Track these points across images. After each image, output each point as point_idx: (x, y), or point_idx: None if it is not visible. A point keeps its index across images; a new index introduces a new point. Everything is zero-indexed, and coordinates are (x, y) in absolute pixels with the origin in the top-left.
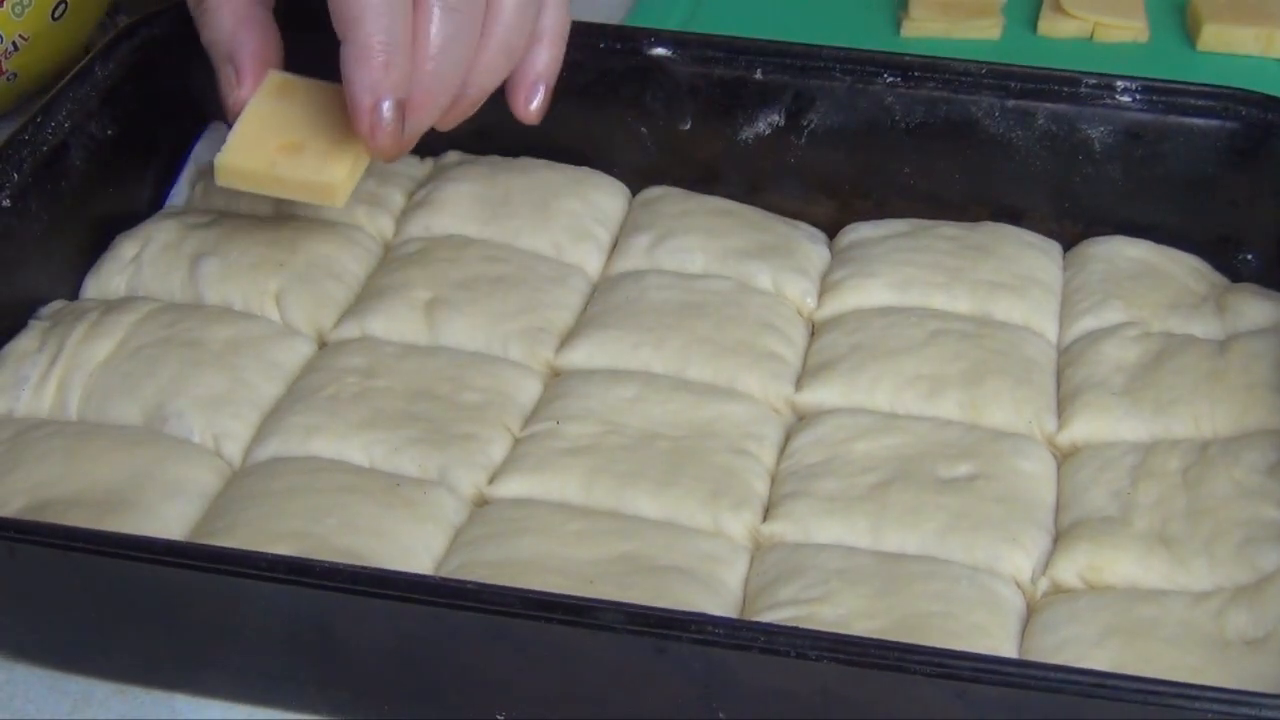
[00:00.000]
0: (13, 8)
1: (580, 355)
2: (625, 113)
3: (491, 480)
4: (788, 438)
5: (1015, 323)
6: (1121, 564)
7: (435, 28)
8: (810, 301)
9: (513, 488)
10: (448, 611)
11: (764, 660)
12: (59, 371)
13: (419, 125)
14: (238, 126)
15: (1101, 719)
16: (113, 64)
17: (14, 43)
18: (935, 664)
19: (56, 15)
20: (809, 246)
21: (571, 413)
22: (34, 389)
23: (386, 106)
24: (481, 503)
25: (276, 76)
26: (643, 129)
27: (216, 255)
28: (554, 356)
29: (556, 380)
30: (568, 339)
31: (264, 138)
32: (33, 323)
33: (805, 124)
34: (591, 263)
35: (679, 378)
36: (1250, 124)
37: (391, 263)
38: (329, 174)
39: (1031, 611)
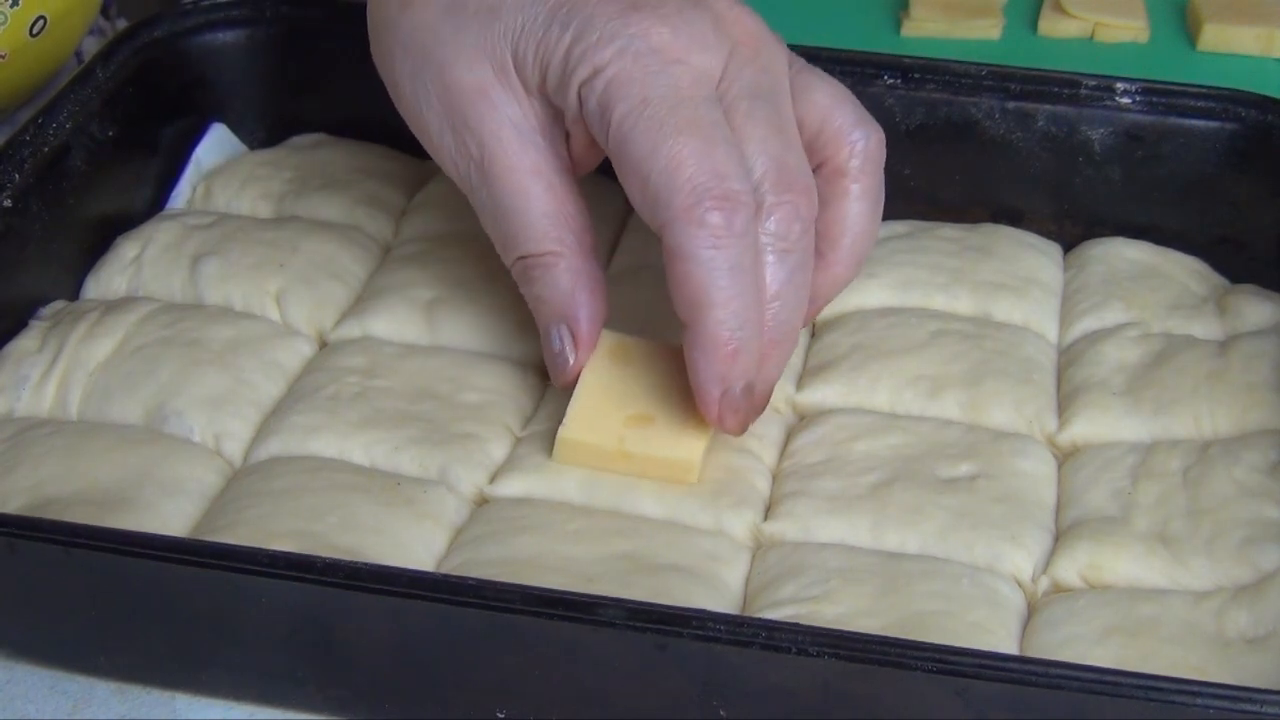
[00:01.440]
0: None
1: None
2: None
3: (492, 479)
4: (789, 437)
5: (1016, 323)
6: (1122, 563)
7: (771, 274)
8: None
9: (513, 487)
10: (448, 608)
11: (765, 657)
12: (59, 371)
13: (769, 384)
14: (577, 397)
15: (1103, 716)
16: (114, 65)
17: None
18: (936, 660)
19: (35, 32)
20: None
21: None
22: (34, 389)
23: (737, 391)
24: (482, 502)
25: (610, 338)
26: None
27: (217, 255)
28: None
29: None
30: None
31: (607, 410)
32: (33, 323)
33: None
34: None
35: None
36: (1250, 125)
37: (392, 263)
38: (686, 450)
39: (1032, 610)
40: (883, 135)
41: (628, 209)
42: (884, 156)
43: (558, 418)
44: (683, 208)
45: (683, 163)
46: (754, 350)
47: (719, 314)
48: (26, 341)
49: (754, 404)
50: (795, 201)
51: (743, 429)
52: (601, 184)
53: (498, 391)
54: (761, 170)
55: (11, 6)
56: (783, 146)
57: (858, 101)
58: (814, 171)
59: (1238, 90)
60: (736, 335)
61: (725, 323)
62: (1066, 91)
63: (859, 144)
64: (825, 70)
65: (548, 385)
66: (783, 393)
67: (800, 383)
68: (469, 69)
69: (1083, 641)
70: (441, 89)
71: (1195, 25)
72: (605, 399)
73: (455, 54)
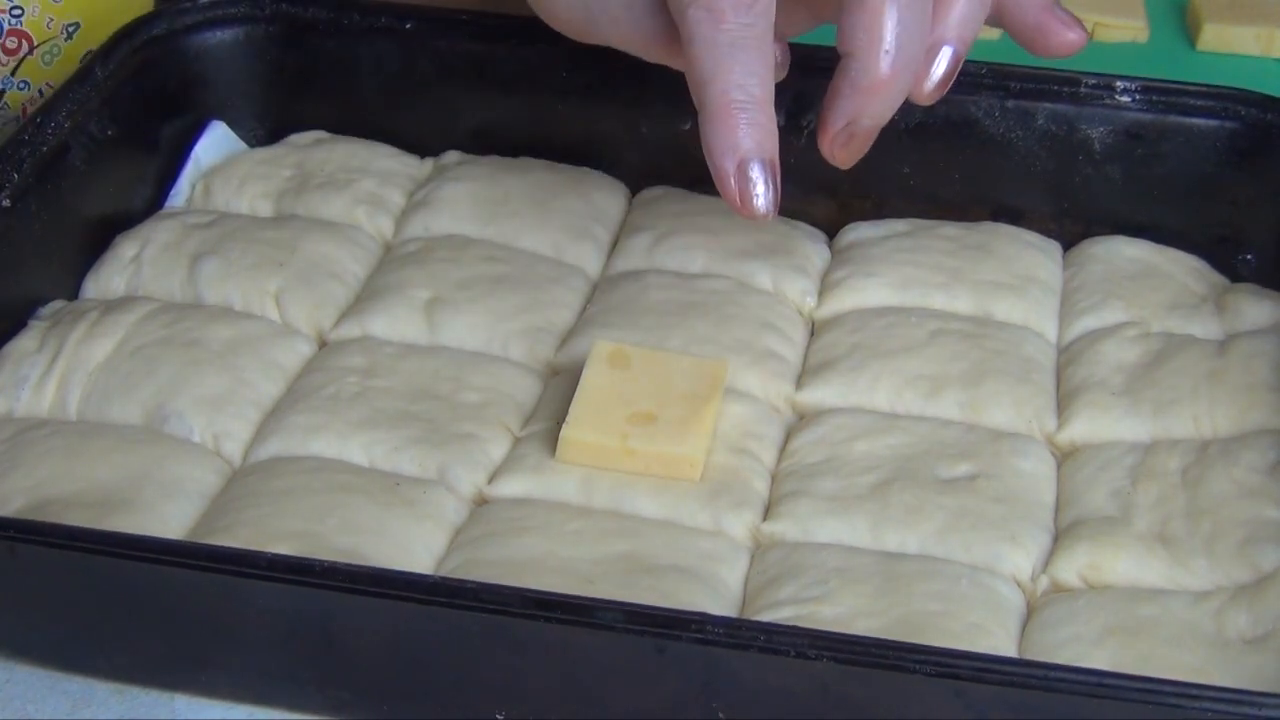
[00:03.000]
0: (41, 56)
1: (580, 355)
2: (625, 113)
3: (491, 479)
4: (788, 437)
5: (1015, 322)
6: (1121, 563)
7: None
8: (810, 301)
9: (513, 487)
10: (447, 611)
11: (764, 659)
12: (59, 371)
13: (877, 121)
14: (578, 398)
15: (1102, 718)
16: (113, 64)
17: (40, 90)
18: (935, 662)
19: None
20: (809, 246)
21: None
22: (34, 389)
23: (755, 169)
24: (481, 502)
25: (605, 345)
26: (642, 129)
27: (216, 255)
28: (554, 356)
29: (555, 379)
30: (568, 338)
31: (609, 409)
32: (32, 323)
33: (805, 124)
34: (591, 262)
35: None
36: (1250, 124)
37: (391, 262)
38: (689, 446)
39: (1031, 610)
40: None
41: (627, 210)
42: None
43: (557, 418)
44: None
45: None
46: (765, 125)
47: (722, 83)
48: (25, 342)
49: (857, 143)
50: None
51: (772, 212)
52: (604, 184)
53: (497, 391)
54: None
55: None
56: None
57: None
58: None
59: (1238, 89)
60: (744, 105)
61: (730, 91)
62: (1066, 90)
63: None
64: (825, 70)
65: (547, 385)
66: (782, 392)
67: (800, 382)
68: None
69: (1082, 642)
70: None
71: (1195, 25)
72: (607, 399)
73: None
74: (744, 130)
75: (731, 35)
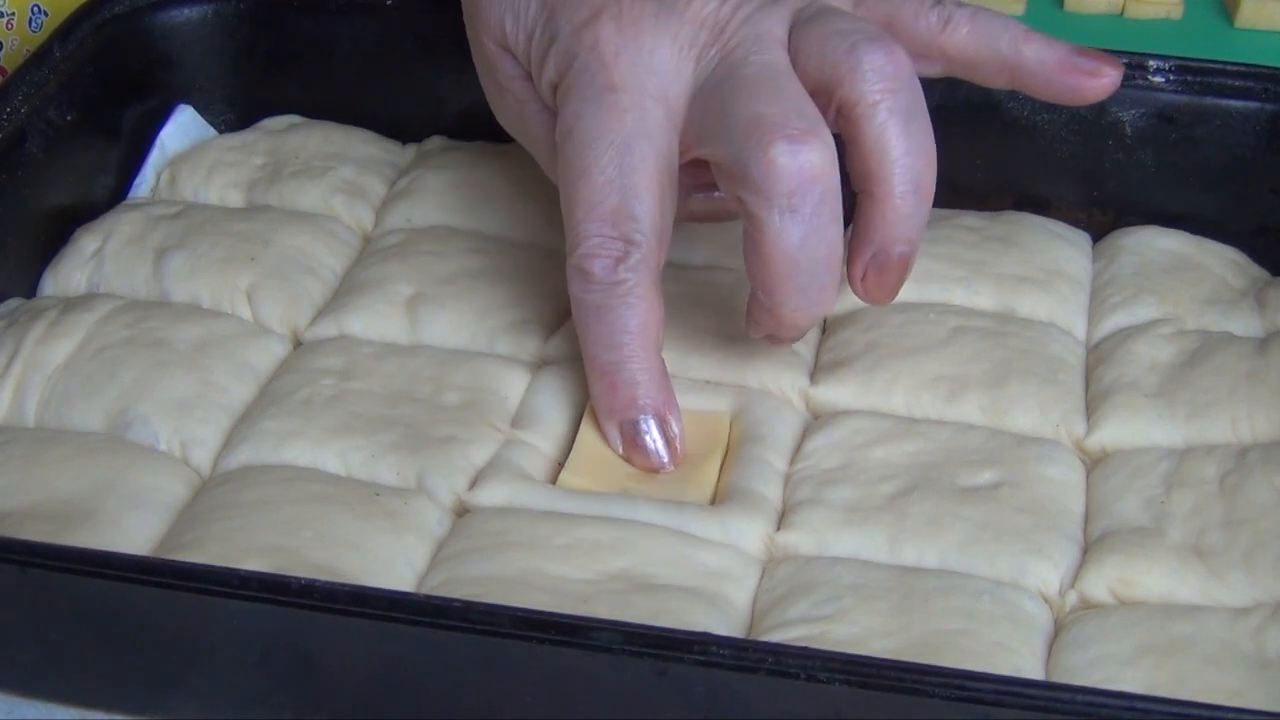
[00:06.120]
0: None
1: (572, 347)
2: None
3: (474, 485)
4: (804, 436)
5: (1041, 319)
6: (1155, 577)
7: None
8: None
9: (496, 494)
10: (433, 631)
11: (772, 683)
12: (15, 374)
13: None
14: (579, 444)
15: None
16: (72, 44)
17: None
18: (954, 686)
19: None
20: None
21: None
22: None
23: (640, 428)
24: (462, 510)
25: None
26: None
27: (183, 249)
28: (543, 346)
29: (545, 371)
30: (561, 330)
31: (608, 463)
32: None
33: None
34: None
35: (679, 374)
36: None
37: (371, 256)
38: (696, 495)
39: (1059, 628)
40: (894, 49)
41: None
42: (904, 70)
43: (547, 423)
44: (568, 252)
45: (571, 210)
46: (640, 378)
47: (589, 348)
48: None
49: (676, 438)
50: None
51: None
52: None
53: (480, 389)
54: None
55: None
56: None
57: (868, 26)
58: (834, 119)
59: (1279, 69)
60: (611, 364)
61: (596, 356)
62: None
63: (861, 66)
64: None
65: (535, 377)
66: (795, 385)
67: (814, 378)
68: None
69: (1113, 662)
70: None
71: (1233, 0)
72: (606, 453)
73: None
74: (622, 390)
75: (599, 298)
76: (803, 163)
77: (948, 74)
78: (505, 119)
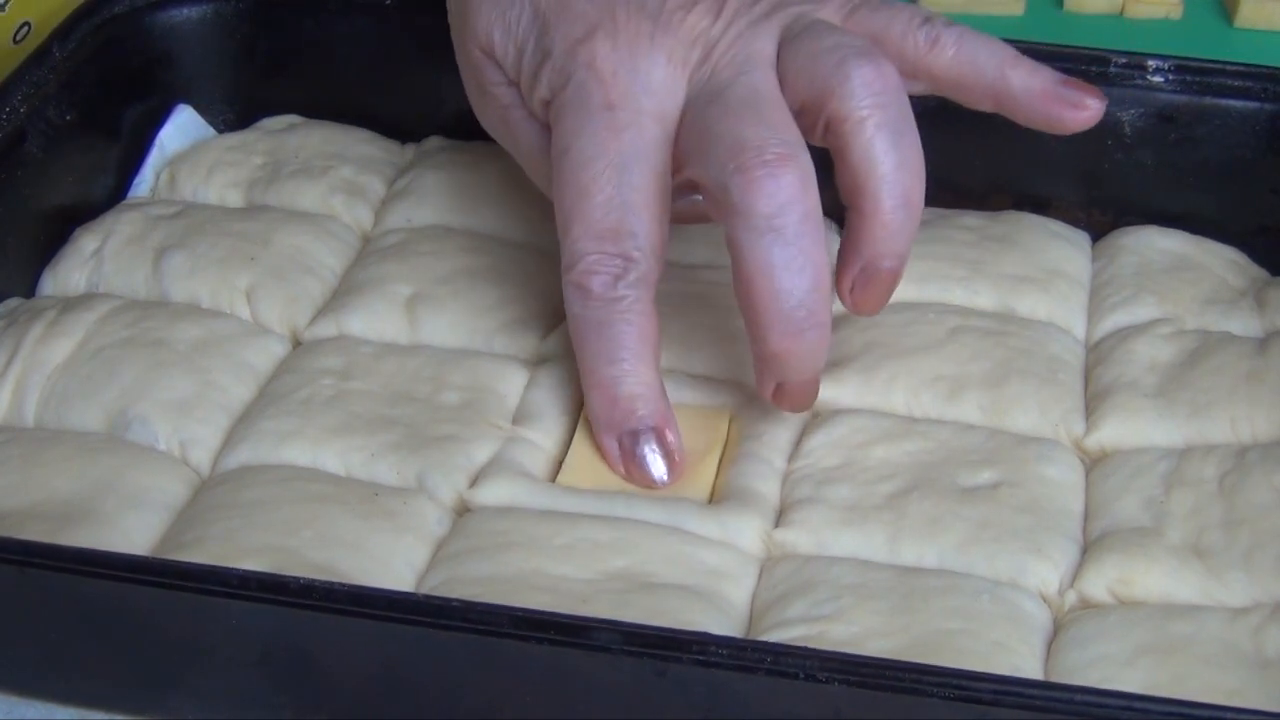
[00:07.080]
0: None
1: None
2: None
3: (474, 484)
4: (802, 435)
5: (1040, 319)
6: (1154, 577)
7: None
8: None
9: (497, 492)
10: (433, 631)
11: (771, 683)
12: (15, 374)
13: (803, 384)
14: (575, 445)
15: None
16: (72, 44)
17: None
18: (954, 685)
19: (18, 39)
20: None
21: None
22: None
23: (639, 442)
24: (463, 510)
25: None
26: None
27: (183, 249)
28: (541, 343)
29: (543, 367)
30: (559, 327)
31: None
32: None
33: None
34: None
35: (680, 370)
36: None
37: (370, 256)
38: (694, 492)
39: (1058, 628)
40: (883, 64)
41: None
42: (892, 85)
43: (546, 420)
44: (564, 269)
45: (569, 227)
46: (639, 391)
47: (588, 363)
48: None
49: (674, 453)
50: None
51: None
52: None
53: (480, 388)
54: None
55: None
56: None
57: (856, 41)
58: (822, 133)
59: (1278, 69)
60: (611, 378)
61: (595, 370)
62: (1094, 70)
63: (850, 81)
64: None
65: (534, 374)
66: None
67: None
68: None
69: (1112, 662)
70: None
71: (1233, 1)
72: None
73: None
74: (622, 404)
75: (598, 314)
76: (781, 185)
77: (933, 93)
78: (489, 123)
